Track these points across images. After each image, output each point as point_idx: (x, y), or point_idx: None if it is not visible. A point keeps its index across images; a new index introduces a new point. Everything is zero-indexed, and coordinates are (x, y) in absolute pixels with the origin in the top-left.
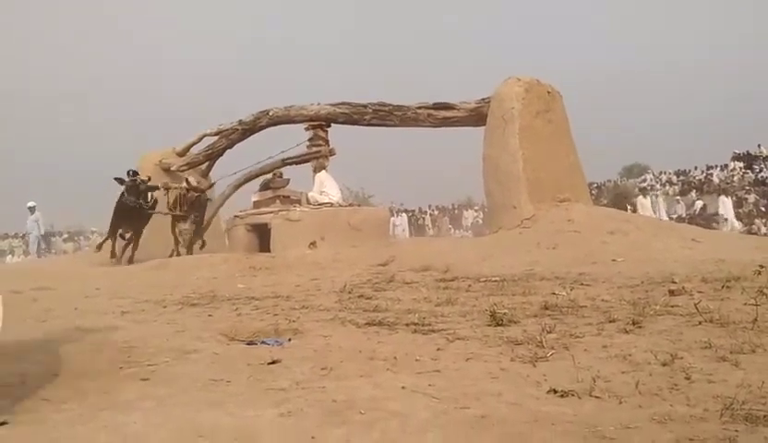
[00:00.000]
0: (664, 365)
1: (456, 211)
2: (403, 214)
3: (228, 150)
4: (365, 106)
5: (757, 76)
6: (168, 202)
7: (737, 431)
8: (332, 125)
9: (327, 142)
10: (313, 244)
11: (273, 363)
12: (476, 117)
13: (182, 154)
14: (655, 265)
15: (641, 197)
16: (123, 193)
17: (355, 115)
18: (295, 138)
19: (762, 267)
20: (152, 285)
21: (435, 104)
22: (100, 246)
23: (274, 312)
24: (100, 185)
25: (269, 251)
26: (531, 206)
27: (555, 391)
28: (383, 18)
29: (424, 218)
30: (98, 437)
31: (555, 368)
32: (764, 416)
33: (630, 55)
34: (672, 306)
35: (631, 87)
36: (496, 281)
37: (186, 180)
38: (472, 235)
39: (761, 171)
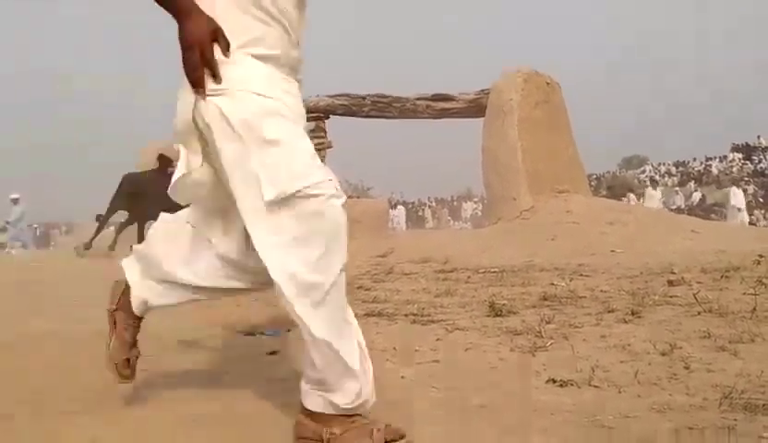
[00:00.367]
0: (663, 354)
1: (455, 203)
2: (400, 206)
3: None
4: (363, 98)
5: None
6: None
7: (735, 420)
8: (331, 117)
9: (326, 134)
10: None
11: (272, 353)
12: (475, 108)
13: None
14: (654, 256)
15: (649, 188)
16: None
17: (354, 107)
18: None
19: (761, 256)
20: None
21: (433, 96)
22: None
23: (273, 303)
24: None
25: None
26: (530, 197)
27: (554, 381)
28: (382, 19)
29: (423, 210)
30: (94, 427)
31: (554, 358)
32: (763, 405)
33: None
34: (671, 297)
35: (630, 79)
36: (495, 272)
37: None
38: (471, 227)
39: (759, 162)
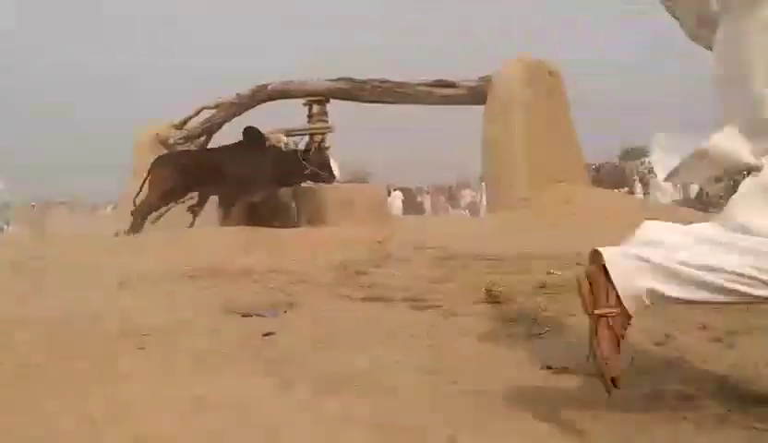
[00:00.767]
0: (658, 344)
1: (454, 190)
2: (398, 192)
3: (227, 123)
4: (364, 82)
5: None
6: None
7: (729, 410)
8: (331, 101)
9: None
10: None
11: (268, 334)
12: (477, 96)
13: (180, 128)
14: None
15: (655, 179)
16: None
17: (355, 91)
18: (294, 114)
19: None
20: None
21: (435, 82)
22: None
23: (271, 285)
24: None
25: (263, 225)
26: (529, 186)
27: (549, 368)
28: (383, 17)
29: (422, 196)
30: (90, 405)
31: (549, 346)
32: (757, 396)
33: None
34: None
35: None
36: (492, 259)
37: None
38: (469, 214)
39: None
